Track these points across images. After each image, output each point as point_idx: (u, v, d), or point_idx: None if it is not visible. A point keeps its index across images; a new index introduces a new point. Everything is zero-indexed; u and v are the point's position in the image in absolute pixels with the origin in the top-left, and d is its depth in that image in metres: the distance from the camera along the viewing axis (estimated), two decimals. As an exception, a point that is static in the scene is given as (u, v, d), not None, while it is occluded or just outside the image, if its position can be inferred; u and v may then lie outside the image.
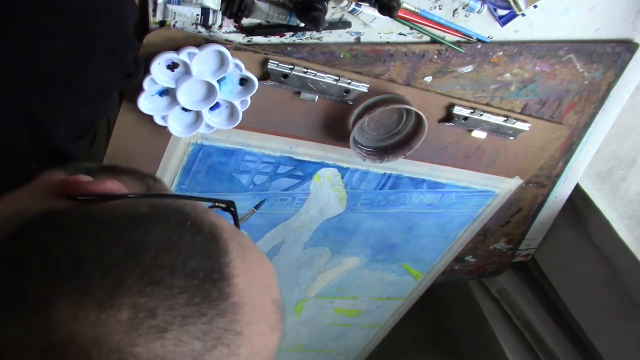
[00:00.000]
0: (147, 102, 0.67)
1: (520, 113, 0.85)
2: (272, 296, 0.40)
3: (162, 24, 0.63)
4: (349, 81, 0.73)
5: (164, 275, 0.34)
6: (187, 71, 0.65)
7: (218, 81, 0.67)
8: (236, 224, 0.47)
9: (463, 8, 0.71)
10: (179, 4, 0.61)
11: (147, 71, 0.64)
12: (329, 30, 0.68)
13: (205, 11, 0.62)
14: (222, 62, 0.66)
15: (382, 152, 0.81)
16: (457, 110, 0.80)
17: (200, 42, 0.64)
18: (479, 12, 0.71)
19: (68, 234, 0.35)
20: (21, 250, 0.35)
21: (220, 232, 0.39)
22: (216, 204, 0.47)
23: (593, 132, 0.95)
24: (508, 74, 0.79)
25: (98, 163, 0.51)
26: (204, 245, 0.37)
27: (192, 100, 0.68)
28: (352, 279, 1.09)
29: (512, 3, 0.71)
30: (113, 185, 0.41)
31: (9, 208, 0.40)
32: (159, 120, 0.69)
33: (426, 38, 0.73)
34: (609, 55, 0.82)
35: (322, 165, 0.85)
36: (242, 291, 0.37)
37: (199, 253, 0.36)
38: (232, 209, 0.48)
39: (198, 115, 0.71)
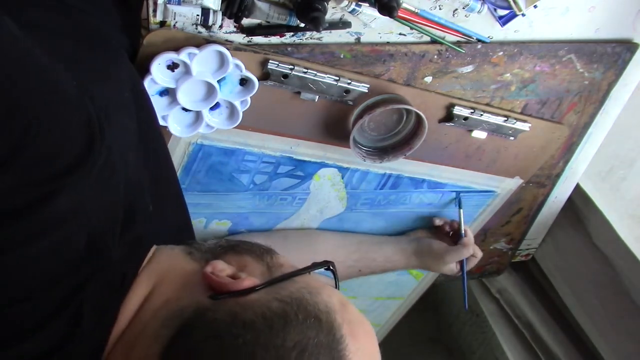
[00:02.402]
0: (148, 102, 0.67)
1: (521, 113, 0.85)
2: (376, 358, 0.50)
3: (163, 24, 0.63)
4: (349, 81, 0.73)
5: None
6: (187, 71, 0.65)
7: (218, 81, 0.67)
8: (336, 283, 0.55)
9: (463, 8, 0.71)
10: (179, 4, 0.61)
11: (147, 71, 0.64)
12: (329, 31, 0.68)
13: (205, 11, 0.62)
14: (222, 62, 0.66)
15: (382, 152, 0.81)
16: (457, 110, 0.80)
17: (200, 43, 0.64)
18: (479, 12, 0.71)
19: (226, 343, 0.43)
20: (194, 356, 0.43)
21: (333, 317, 0.47)
22: (320, 267, 0.54)
23: (593, 132, 0.95)
24: (508, 74, 0.79)
25: (216, 240, 0.57)
26: (326, 340, 0.45)
27: (192, 100, 0.68)
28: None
29: (512, 3, 0.71)
30: (248, 282, 0.48)
31: (164, 305, 0.48)
32: (159, 120, 0.69)
33: (426, 38, 0.73)
34: (609, 55, 0.82)
35: (322, 165, 0.85)
36: None
37: (324, 348, 0.44)
38: (331, 268, 0.55)
39: (198, 115, 0.71)
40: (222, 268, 0.50)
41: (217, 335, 0.44)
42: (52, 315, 0.42)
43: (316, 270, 0.54)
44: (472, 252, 0.94)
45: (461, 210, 0.96)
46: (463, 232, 0.95)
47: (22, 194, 0.38)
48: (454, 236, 0.98)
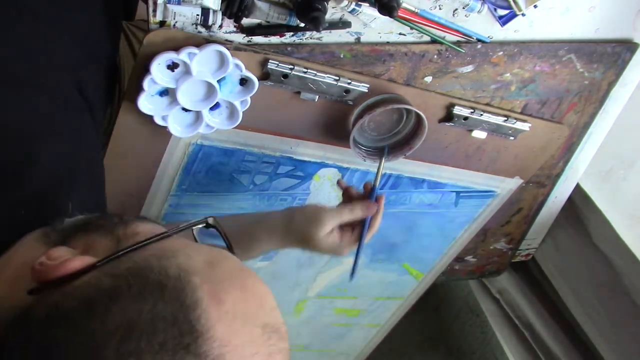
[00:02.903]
0: (147, 102, 0.67)
1: (521, 113, 0.85)
2: (261, 321, 0.39)
3: (162, 24, 0.63)
4: (349, 81, 0.73)
5: None
6: (187, 71, 0.65)
7: (218, 81, 0.67)
8: (227, 243, 0.46)
9: (463, 8, 0.71)
10: (179, 4, 0.61)
11: (147, 71, 0.64)
12: (329, 30, 0.68)
13: (205, 11, 0.62)
14: (222, 62, 0.66)
15: (383, 152, 0.81)
16: (457, 110, 0.80)
17: (200, 42, 0.64)
18: (479, 12, 0.71)
19: (38, 348, 0.35)
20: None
21: (187, 279, 0.38)
22: (195, 226, 0.45)
23: (593, 132, 0.95)
24: (508, 74, 0.79)
25: (84, 217, 0.48)
26: (168, 309, 0.35)
27: (192, 100, 0.68)
28: (352, 278, 1.09)
29: (512, 3, 0.71)
30: (77, 262, 0.38)
31: None
32: (159, 120, 0.69)
33: (426, 38, 0.73)
34: (609, 55, 0.82)
35: (322, 165, 0.85)
36: (222, 339, 0.36)
37: (164, 321, 0.35)
38: (213, 225, 0.46)
39: (198, 115, 0.71)
40: (58, 255, 0.40)
41: (30, 340, 0.35)
42: None
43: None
44: (359, 215, 0.72)
45: (382, 161, 0.78)
46: (374, 196, 0.74)
47: None
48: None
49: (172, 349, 0.34)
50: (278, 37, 0.68)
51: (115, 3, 0.66)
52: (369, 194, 0.75)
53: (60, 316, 0.36)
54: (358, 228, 0.74)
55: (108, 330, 0.34)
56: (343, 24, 0.68)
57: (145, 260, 0.39)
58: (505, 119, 0.83)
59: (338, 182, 0.78)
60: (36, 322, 0.36)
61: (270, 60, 0.68)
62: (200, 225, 0.46)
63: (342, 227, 0.73)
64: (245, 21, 0.65)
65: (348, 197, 0.77)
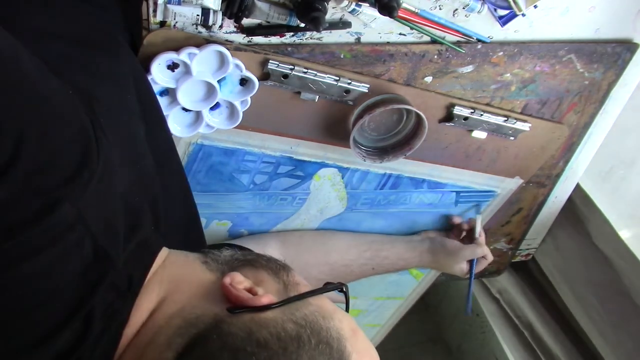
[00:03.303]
0: (148, 102, 0.67)
1: (521, 113, 0.85)
2: None
3: (163, 24, 0.63)
4: (349, 81, 0.73)
5: None
6: (188, 71, 0.65)
7: (218, 81, 0.67)
8: (347, 306, 0.56)
9: (463, 8, 0.71)
10: (179, 4, 0.61)
11: (147, 71, 0.64)
12: (329, 31, 0.68)
13: (205, 11, 0.62)
14: (223, 62, 0.66)
15: (382, 152, 0.81)
16: (457, 110, 0.80)
17: (200, 43, 0.64)
18: (479, 12, 0.71)
19: (240, 359, 0.44)
20: None
21: (344, 345, 0.47)
22: (333, 290, 0.55)
23: (593, 132, 0.95)
24: (508, 74, 0.79)
25: (232, 251, 0.56)
26: None
27: (192, 100, 0.68)
28: (352, 278, 1.09)
29: (512, 3, 0.71)
30: (265, 299, 0.48)
31: (178, 313, 0.48)
32: (159, 120, 0.69)
33: (426, 38, 0.73)
34: (609, 55, 0.82)
35: (323, 165, 0.85)
36: None
37: None
38: (344, 290, 0.56)
39: (198, 115, 0.71)
40: (239, 280, 0.50)
41: (232, 349, 0.44)
42: (64, 322, 0.42)
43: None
44: (485, 253, 0.96)
45: (479, 216, 0.99)
46: (478, 233, 0.97)
47: (23, 205, 0.38)
48: (465, 238, 0.99)
49: None
50: (278, 37, 0.68)
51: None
52: (472, 235, 0.98)
53: (254, 341, 0.45)
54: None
55: None
56: (343, 24, 0.68)
57: (313, 315, 0.48)
58: (506, 119, 0.83)
59: (452, 219, 1.00)
60: (232, 336, 0.45)
61: (270, 61, 0.68)
62: (335, 290, 0.55)
63: None
64: (245, 21, 0.65)
65: (459, 230, 0.99)
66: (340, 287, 0.55)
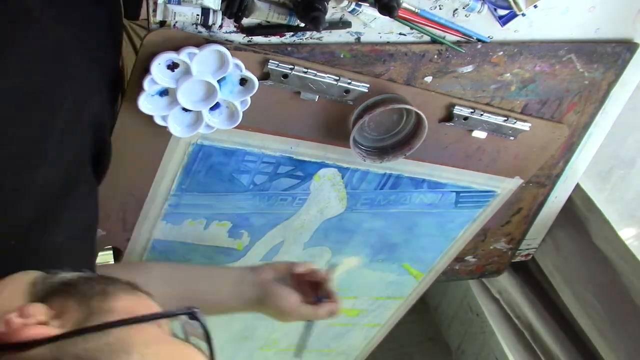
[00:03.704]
0: (147, 102, 0.67)
1: (521, 113, 0.85)
2: None
3: (162, 24, 0.63)
4: (349, 81, 0.73)
5: None
6: (187, 71, 0.65)
7: (218, 81, 0.67)
8: (207, 337, 0.44)
9: (463, 8, 0.71)
10: (179, 4, 0.61)
11: (147, 71, 0.64)
12: (329, 30, 0.68)
13: (205, 11, 0.62)
14: (222, 62, 0.66)
15: (382, 152, 0.81)
16: (457, 110, 0.80)
17: (200, 42, 0.64)
18: (479, 12, 0.71)
19: None
20: None
21: None
22: (175, 316, 0.43)
23: (593, 132, 0.95)
24: (508, 74, 0.79)
25: (79, 274, 0.47)
26: None
27: (192, 100, 0.68)
28: (352, 278, 1.09)
29: (512, 3, 0.71)
30: (34, 332, 0.38)
31: None
32: (159, 120, 0.69)
33: (426, 38, 0.73)
34: (609, 55, 0.82)
35: (323, 165, 0.85)
36: None
37: None
38: (198, 319, 0.43)
39: (198, 115, 0.71)
40: (33, 313, 0.40)
41: None
42: None
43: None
44: (325, 317, 0.81)
45: (334, 269, 0.86)
46: (330, 295, 0.82)
47: None
48: (313, 286, 0.84)
49: None
50: (278, 37, 0.68)
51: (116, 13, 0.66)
52: (324, 287, 0.82)
53: None
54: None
55: None
56: (343, 24, 0.68)
57: (96, 351, 0.38)
58: (505, 119, 0.83)
59: (295, 267, 0.82)
60: None
61: (270, 60, 0.68)
62: (175, 316, 0.43)
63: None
64: (245, 21, 0.65)
65: (298, 281, 0.82)
66: (190, 313, 0.43)
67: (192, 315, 0.43)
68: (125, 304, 0.43)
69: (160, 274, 0.80)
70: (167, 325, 0.44)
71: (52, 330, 0.39)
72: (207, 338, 0.43)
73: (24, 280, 0.45)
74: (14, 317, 0.39)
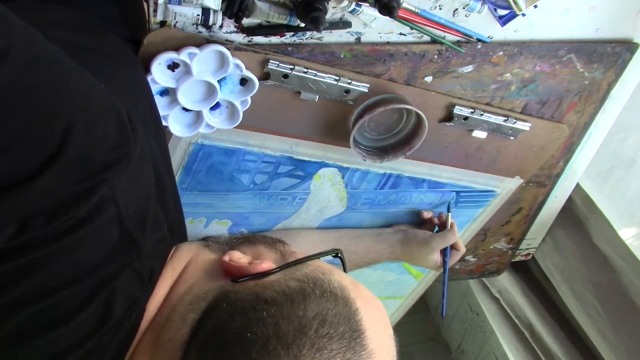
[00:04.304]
0: (148, 102, 0.67)
1: (521, 113, 0.85)
2: (389, 331, 0.52)
3: (163, 24, 0.63)
4: (349, 81, 0.73)
5: (325, 343, 0.45)
6: (188, 71, 0.65)
7: (218, 81, 0.67)
8: (344, 268, 0.58)
9: (463, 8, 0.71)
10: (179, 4, 0.61)
11: (147, 71, 0.64)
12: (329, 31, 0.68)
13: (205, 11, 0.62)
14: (223, 62, 0.66)
15: (383, 151, 0.81)
16: (457, 110, 0.80)
17: (200, 42, 0.64)
18: (479, 12, 0.71)
19: (252, 317, 0.46)
20: (221, 333, 0.46)
21: (348, 293, 0.50)
22: (328, 255, 0.57)
23: (593, 132, 0.95)
24: (508, 74, 0.79)
25: (229, 234, 0.61)
26: (343, 311, 0.48)
27: (192, 100, 0.69)
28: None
29: (512, 3, 0.71)
30: (265, 265, 0.51)
31: (188, 291, 0.51)
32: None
33: (426, 38, 0.73)
34: (609, 55, 0.82)
35: (323, 165, 0.85)
36: (372, 338, 0.48)
37: (342, 318, 0.47)
38: (339, 255, 0.58)
39: (198, 115, 0.71)
40: (238, 257, 0.53)
41: (242, 312, 0.47)
42: (87, 301, 0.44)
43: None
44: (457, 238, 0.94)
45: (449, 214, 0.96)
46: (449, 225, 0.95)
47: (66, 191, 0.40)
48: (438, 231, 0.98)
49: (348, 339, 0.46)
50: (278, 37, 0.68)
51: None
52: (444, 223, 0.96)
53: (262, 300, 0.47)
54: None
55: (309, 317, 0.46)
56: (343, 24, 0.68)
57: (313, 272, 0.51)
58: (506, 118, 0.83)
59: (422, 213, 0.98)
60: (240, 301, 0.48)
61: (270, 60, 0.68)
62: (329, 255, 0.57)
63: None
64: (245, 21, 0.65)
65: (432, 224, 0.98)
66: (335, 253, 0.57)
67: (337, 255, 0.57)
68: (296, 249, 0.58)
69: (312, 235, 0.94)
70: None
71: (272, 265, 0.52)
72: (344, 268, 0.58)
73: (193, 245, 0.57)
74: (228, 258, 0.52)
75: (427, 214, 0.97)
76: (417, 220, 1.00)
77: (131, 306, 0.48)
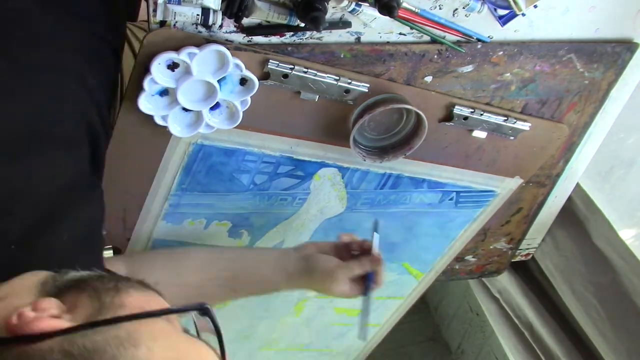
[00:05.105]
0: (147, 102, 0.67)
1: (521, 113, 0.85)
2: None
3: (163, 23, 0.63)
4: (349, 81, 0.73)
5: None
6: (188, 71, 0.65)
7: (218, 81, 0.67)
8: (217, 331, 0.45)
9: (463, 8, 0.71)
10: (179, 4, 0.61)
11: (147, 71, 0.64)
12: (329, 30, 0.68)
13: (205, 11, 0.62)
14: (223, 62, 0.66)
15: (383, 151, 0.81)
16: (457, 110, 0.80)
17: (200, 42, 0.64)
18: (479, 12, 0.71)
19: None
20: None
21: None
22: (185, 312, 0.44)
23: (593, 131, 0.95)
24: (508, 74, 0.79)
25: (84, 272, 0.48)
26: None
27: (192, 100, 0.68)
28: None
29: (512, 3, 0.71)
30: (44, 324, 0.39)
31: None
32: (159, 120, 0.69)
33: (426, 38, 0.73)
34: (609, 55, 0.82)
35: (323, 165, 0.85)
36: None
37: None
38: (208, 314, 0.44)
39: (198, 115, 0.71)
40: (46, 307, 0.41)
41: None
42: None
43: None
44: (367, 269, 0.80)
45: (376, 234, 0.83)
46: (375, 252, 0.81)
47: None
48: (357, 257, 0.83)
49: None
50: (278, 37, 0.68)
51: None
52: (367, 251, 0.82)
53: None
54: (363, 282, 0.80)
55: None
56: (343, 23, 0.68)
57: (104, 343, 0.39)
58: (505, 118, 0.83)
59: (340, 237, 0.84)
60: None
61: (270, 60, 0.68)
62: (189, 311, 0.44)
63: (352, 279, 0.80)
64: (245, 21, 0.65)
65: (348, 252, 0.83)
66: (200, 307, 0.44)
67: (203, 311, 0.44)
68: (136, 300, 0.44)
69: (198, 257, 0.82)
70: (177, 321, 0.45)
71: (64, 323, 0.40)
72: (218, 334, 0.44)
73: (33, 280, 0.46)
74: (27, 310, 0.40)
75: (346, 238, 0.84)
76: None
77: None
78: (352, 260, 0.81)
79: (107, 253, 0.85)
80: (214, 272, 0.80)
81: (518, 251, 1.19)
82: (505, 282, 1.34)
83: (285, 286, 0.82)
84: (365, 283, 0.80)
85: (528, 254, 1.22)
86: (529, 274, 1.33)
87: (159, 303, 0.46)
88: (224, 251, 0.85)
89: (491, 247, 1.15)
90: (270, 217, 0.91)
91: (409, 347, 1.60)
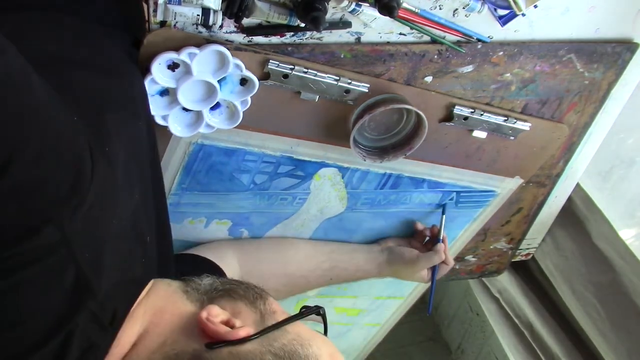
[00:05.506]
0: (148, 102, 0.67)
1: (521, 113, 0.85)
2: None
3: (163, 24, 0.63)
4: (349, 81, 0.73)
5: None
6: (188, 71, 0.65)
7: (218, 81, 0.67)
8: (325, 328, 0.56)
9: (463, 8, 0.71)
10: (179, 4, 0.61)
11: (147, 71, 0.64)
12: (329, 31, 0.68)
13: (205, 11, 0.62)
14: (223, 62, 0.66)
15: (383, 151, 0.81)
16: (457, 110, 0.80)
17: (200, 42, 0.64)
18: (479, 12, 0.71)
19: None
20: None
21: None
22: (310, 314, 0.55)
23: (593, 131, 0.95)
24: (508, 74, 0.79)
25: (211, 280, 0.57)
26: None
27: (192, 100, 0.69)
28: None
29: (512, 3, 0.71)
30: (243, 332, 0.48)
31: (159, 348, 0.48)
32: (159, 120, 0.69)
33: (426, 38, 0.73)
34: (609, 55, 0.82)
35: (323, 165, 0.85)
36: None
37: None
38: (321, 313, 0.56)
39: (198, 115, 0.71)
40: (216, 313, 0.50)
41: None
42: (40, 344, 0.41)
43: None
44: (443, 259, 0.94)
45: (444, 217, 0.96)
46: (441, 238, 0.95)
47: (8, 225, 0.38)
48: (428, 244, 0.98)
49: None
50: (278, 37, 0.68)
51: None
52: (435, 239, 0.96)
53: None
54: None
55: None
56: (343, 24, 0.68)
57: (291, 344, 0.49)
58: (506, 118, 0.83)
59: (416, 225, 0.99)
60: None
61: (270, 60, 0.68)
62: (312, 314, 0.55)
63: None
64: (245, 21, 0.65)
65: (423, 236, 0.99)
66: (317, 311, 0.55)
67: (320, 314, 0.55)
68: (278, 307, 0.55)
69: (305, 248, 0.94)
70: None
71: (250, 330, 0.49)
72: (325, 329, 0.56)
73: (172, 287, 0.54)
74: (206, 315, 0.49)
75: (419, 226, 0.98)
76: (409, 230, 1.00)
77: (88, 350, 0.44)
78: (428, 251, 0.94)
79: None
80: (316, 264, 0.94)
81: (518, 251, 1.19)
82: (506, 282, 1.34)
83: (375, 275, 0.98)
84: (432, 271, 0.95)
85: (528, 254, 1.22)
86: (529, 274, 1.33)
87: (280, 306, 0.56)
88: (323, 245, 0.96)
89: (491, 247, 1.15)
90: (270, 216, 0.91)
91: (409, 347, 1.60)
